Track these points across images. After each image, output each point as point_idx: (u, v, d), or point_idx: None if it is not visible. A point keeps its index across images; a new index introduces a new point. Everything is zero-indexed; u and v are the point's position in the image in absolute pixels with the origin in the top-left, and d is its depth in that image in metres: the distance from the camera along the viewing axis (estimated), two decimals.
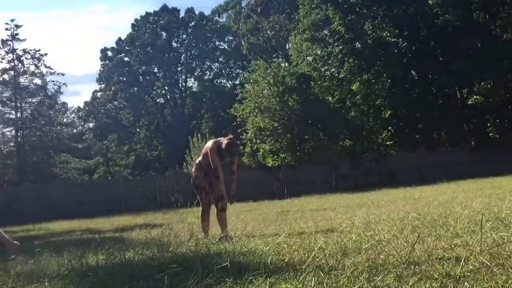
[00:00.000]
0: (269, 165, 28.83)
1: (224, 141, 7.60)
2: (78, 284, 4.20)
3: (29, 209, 24.42)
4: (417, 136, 32.43)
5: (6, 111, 40.42)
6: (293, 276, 3.64)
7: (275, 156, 29.54)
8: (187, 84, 57.74)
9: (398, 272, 3.53)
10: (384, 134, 32.78)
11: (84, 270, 4.76)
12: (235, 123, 33.59)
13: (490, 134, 30.62)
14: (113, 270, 4.55)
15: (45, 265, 5.31)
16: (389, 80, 30.96)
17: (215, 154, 7.54)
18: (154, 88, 57.03)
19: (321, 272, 3.61)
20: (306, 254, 4.53)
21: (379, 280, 3.33)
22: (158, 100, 57.57)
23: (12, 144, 41.13)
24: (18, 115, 40.31)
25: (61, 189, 26.90)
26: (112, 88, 56.40)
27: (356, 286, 3.24)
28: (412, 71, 31.69)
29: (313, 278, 3.48)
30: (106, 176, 48.66)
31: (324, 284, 3.36)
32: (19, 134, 40.61)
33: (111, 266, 4.87)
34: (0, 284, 4.34)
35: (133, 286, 3.76)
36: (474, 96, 31.94)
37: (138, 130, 56.63)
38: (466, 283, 3.20)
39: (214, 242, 6.23)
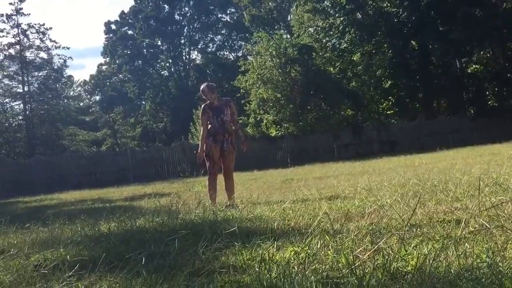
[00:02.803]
0: (273, 135, 29.33)
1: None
2: (92, 250, 4.30)
3: (39, 180, 25.24)
4: (417, 105, 32.88)
5: (14, 85, 41.15)
6: (299, 240, 3.74)
7: (278, 127, 30.01)
8: (191, 56, 58.13)
9: (400, 235, 3.62)
10: (384, 104, 33.22)
11: (97, 236, 4.89)
12: (238, 94, 34.05)
13: (489, 102, 30.88)
14: (125, 236, 4.68)
15: (59, 232, 5.42)
16: (389, 51, 31.25)
17: (202, 114, 8.03)
18: (158, 61, 57.32)
19: (326, 236, 3.69)
20: (311, 219, 4.59)
21: (382, 242, 3.39)
22: (162, 72, 57.89)
23: (21, 117, 41.87)
24: (26, 89, 40.94)
25: (70, 160, 27.53)
26: (117, 61, 56.73)
27: (360, 248, 3.32)
28: (412, 41, 31.89)
29: (319, 241, 3.56)
30: (113, 147, 49.51)
31: (330, 247, 3.46)
32: (27, 107, 41.27)
33: (123, 232, 4.97)
34: (16, 250, 4.41)
35: (145, 250, 3.80)
36: (474, 65, 32.22)
37: (143, 102, 57.13)
38: (466, 244, 3.28)
39: (221, 209, 6.31)
